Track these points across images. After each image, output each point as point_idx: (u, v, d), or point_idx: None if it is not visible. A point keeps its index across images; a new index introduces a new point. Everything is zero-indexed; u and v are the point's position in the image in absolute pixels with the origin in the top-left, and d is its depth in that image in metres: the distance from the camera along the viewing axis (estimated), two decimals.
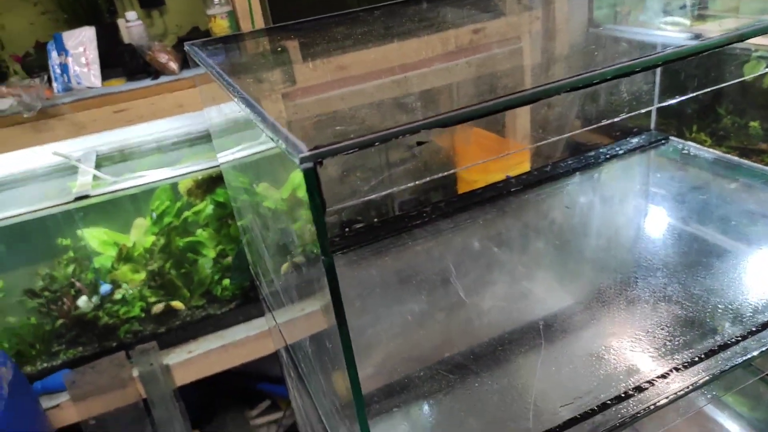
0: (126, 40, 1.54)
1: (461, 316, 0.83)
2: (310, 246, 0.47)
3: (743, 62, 1.68)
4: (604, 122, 1.01)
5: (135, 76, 1.48)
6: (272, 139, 0.40)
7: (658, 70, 1.23)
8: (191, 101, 1.48)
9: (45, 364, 1.52)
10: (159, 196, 1.69)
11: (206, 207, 1.73)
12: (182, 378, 1.57)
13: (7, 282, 1.59)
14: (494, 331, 0.78)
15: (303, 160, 0.36)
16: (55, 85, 1.42)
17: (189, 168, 1.57)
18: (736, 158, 1.05)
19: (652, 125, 1.17)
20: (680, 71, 1.57)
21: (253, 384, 1.90)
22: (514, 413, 0.64)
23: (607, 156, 1.11)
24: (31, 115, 1.33)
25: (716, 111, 1.82)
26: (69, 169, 1.66)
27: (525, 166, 1.58)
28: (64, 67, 1.40)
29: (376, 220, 1.04)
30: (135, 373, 1.52)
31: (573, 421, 0.58)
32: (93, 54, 1.42)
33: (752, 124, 1.76)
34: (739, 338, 0.68)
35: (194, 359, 1.58)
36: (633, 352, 0.69)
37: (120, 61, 1.47)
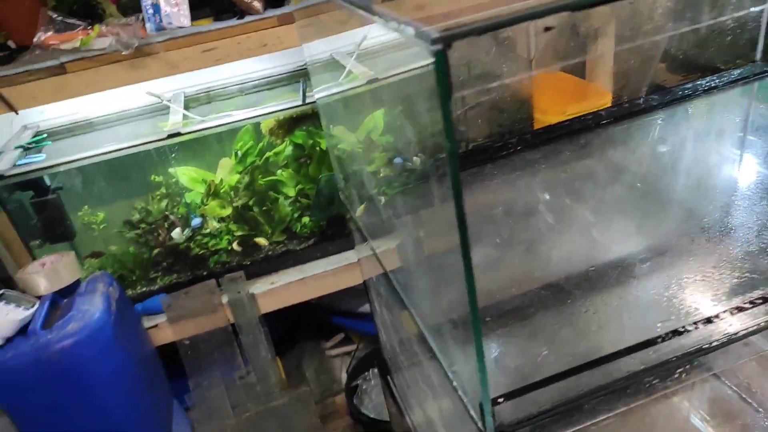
0: None
1: (551, 242, 0.84)
2: (432, 141, 0.49)
3: None
4: (710, 21, 0.94)
5: (221, 16, 1.53)
6: (399, 32, 0.42)
7: None
8: (275, 41, 1.52)
9: (144, 289, 1.66)
10: (242, 137, 1.76)
11: (286, 148, 1.79)
12: (266, 306, 1.67)
13: (108, 214, 1.73)
14: (584, 257, 0.79)
15: (434, 41, 0.38)
16: (148, 25, 1.49)
17: (271, 108, 1.62)
18: None
19: (758, 56, 1.10)
20: None
21: (328, 317, 2.00)
22: (606, 326, 0.65)
23: (705, 88, 1.06)
24: (129, 53, 1.40)
25: None
26: (159, 110, 1.76)
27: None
28: (156, 7, 1.47)
29: (461, 150, 1.05)
30: (224, 299, 1.63)
31: (674, 333, 0.59)
32: None
33: None
34: None
35: (276, 290, 1.68)
36: (732, 277, 0.68)
37: (207, 0, 1.51)
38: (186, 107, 1.70)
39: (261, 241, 1.75)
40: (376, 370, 1.77)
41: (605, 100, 1.74)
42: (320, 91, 1.45)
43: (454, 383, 0.60)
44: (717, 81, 1.07)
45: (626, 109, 1.07)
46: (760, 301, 0.59)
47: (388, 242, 0.93)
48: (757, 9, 1.02)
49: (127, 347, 1.40)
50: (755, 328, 0.56)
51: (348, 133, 1.51)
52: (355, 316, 1.95)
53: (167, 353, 1.62)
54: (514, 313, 0.70)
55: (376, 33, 1.50)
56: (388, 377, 1.21)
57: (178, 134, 1.54)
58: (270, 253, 1.73)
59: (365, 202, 1.09)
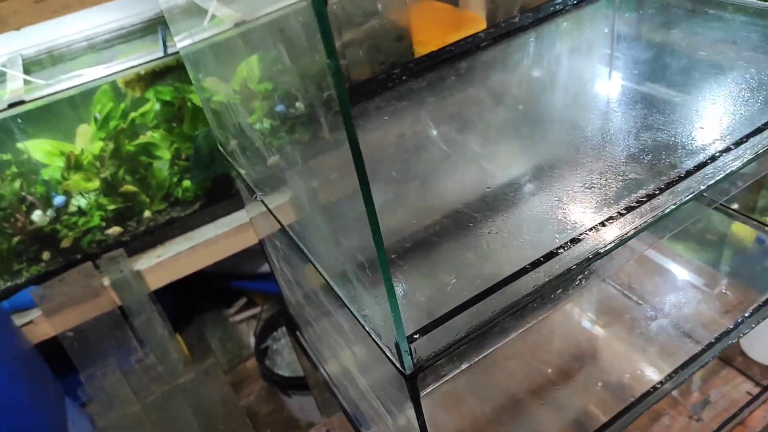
0: None
1: (445, 170, 0.82)
2: (316, 67, 0.43)
3: None
4: None
5: None
6: None
7: None
8: None
9: (9, 284, 1.46)
10: (100, 99, 1.57)
11: (152, 106, 1.62)
12: (155, 282, 1.55)
13: None
14: (479, 182, 0.78)
15: None
16: None
17: (129, 63, 1.45)
18: None
19: None
20: None
21: (227, 283, 1.91)
22: (509, 244, 0.65)
23: (574, 2, 1.08)
24: None
25: None
26: None
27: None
28: None
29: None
30: (106, 281, 1.48)
31: (573, 242, 0.59)
32: None
33: None
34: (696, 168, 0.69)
35: (164, 263, 1.55)
36: (617, 181, 0.70)
37: None
38: (26, 71, 1.48)
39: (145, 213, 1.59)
40: (284, 329, 1.73)
41: (480, 26, 1.74)
42: (183, 40, 1.31)
43: (367, 327, 0.57)
44: None
45: (503, 29, 1.06)
46: (645, 199, 0.61)
47: (282, 195, 0.87)
48: None
49: None
50: (644, 225, 0.58)
51: (222, 83, 1.38)
52: (255, 278, 1.88)
53: (52, 349, 1.46)
54: (418, 246, 0.67)
55: None
56: (297, 333, 1.17)
57: (21, 102, 1.34)
58: (151, 224, 1.59)
59: (249, 154, 1.01)
